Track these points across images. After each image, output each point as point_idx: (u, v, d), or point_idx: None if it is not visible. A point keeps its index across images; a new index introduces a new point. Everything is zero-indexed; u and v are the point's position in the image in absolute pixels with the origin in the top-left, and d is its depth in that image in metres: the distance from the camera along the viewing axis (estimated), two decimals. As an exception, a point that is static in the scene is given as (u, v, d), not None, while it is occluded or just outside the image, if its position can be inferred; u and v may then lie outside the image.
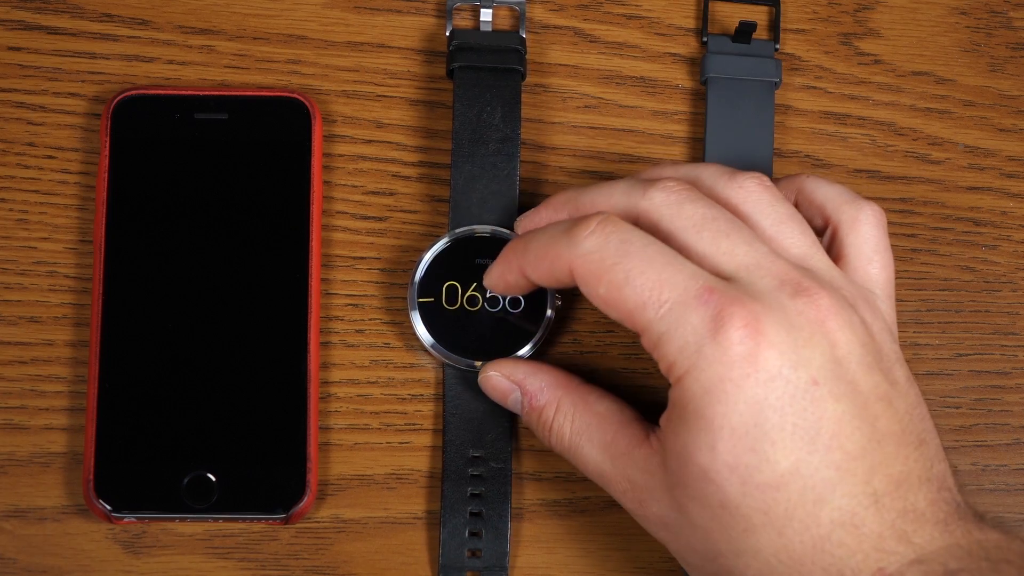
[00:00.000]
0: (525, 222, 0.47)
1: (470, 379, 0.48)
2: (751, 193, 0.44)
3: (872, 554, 0.38)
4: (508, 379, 0.46)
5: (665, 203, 0.43)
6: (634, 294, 0.41)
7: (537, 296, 0.48)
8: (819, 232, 0.46)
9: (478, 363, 0.48)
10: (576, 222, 0.43)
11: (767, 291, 0.40)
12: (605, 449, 0.43)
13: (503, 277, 0.46)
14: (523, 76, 0.50)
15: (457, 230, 0.49)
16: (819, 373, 0.39)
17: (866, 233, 0.45)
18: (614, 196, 0.44)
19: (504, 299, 0.48)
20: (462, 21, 0.52)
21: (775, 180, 0.47)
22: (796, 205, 0.46)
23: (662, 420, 0.42)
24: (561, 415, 0.45)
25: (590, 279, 0.42)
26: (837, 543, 0.39)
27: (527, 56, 0.51)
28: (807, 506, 0.39)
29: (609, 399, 0.45)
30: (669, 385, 0.41)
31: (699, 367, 0.39)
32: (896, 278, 0.46)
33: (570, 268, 0.42)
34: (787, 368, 0.39)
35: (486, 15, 0.51)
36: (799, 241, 0.43)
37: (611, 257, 0.41)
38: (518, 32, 0.51)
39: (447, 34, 0.51)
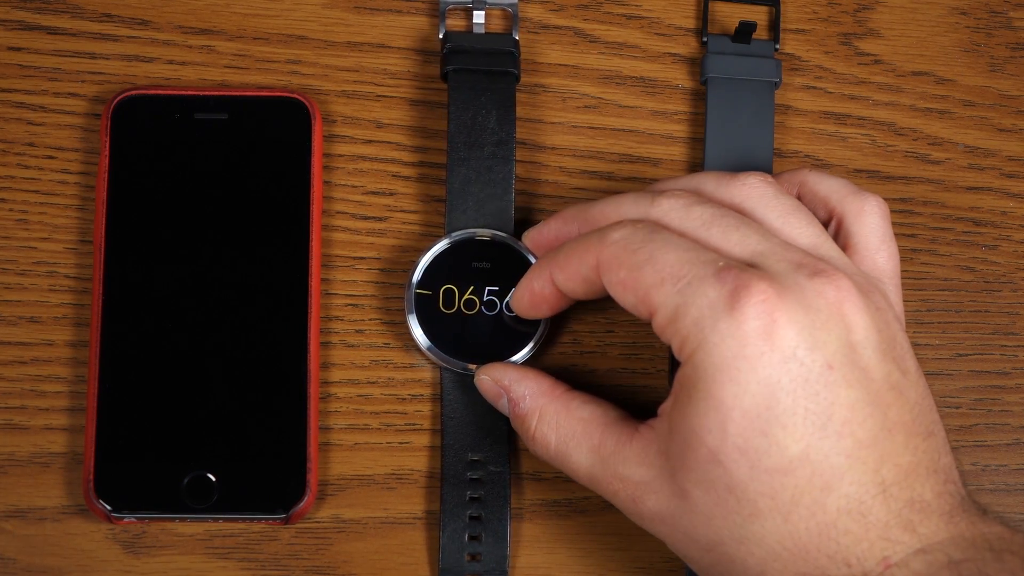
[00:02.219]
0: (533, 234, 0.48)
1: (467, 382, 0.48)
2: (754, 189, 0.44)
3: (877, 543, 0.38)
4: (497, 384, 0.46)
5: (673, 208, 0.43)
6: (654, 271, 0.41)
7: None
8: (823, 224, 0.46)
9: (473, 366, 0.48)
10: (609, 224, 0.43)
11: (785, 273, 0.40)
12: (593, 452, 0.43)
13: (530, 286, 0.46)
14: (517, 79, 0.50)
15: (455, 233, 0.49)
16: (834, 357, 0.39)
17: (872, 223, 0.45)
18: (623, 206, 0.44)
19: (501, 303, 0.48)
20: (455, 22, 0.52)
21: (775, 175, 0.47)
22: (799, 199, 0.46)
23: (663, 407, 0.42)
24: (544, 424, 0.45)
25: (613, 264, 0.42)
26: (843, 531, 0.39)
27: (521, 57, 0.51)
28: (814, 492, 0.39)
29: (593, 403, 0.45)
30: (668, 386, 0.41)
31: (712, 341, 0.39)
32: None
33: (596, 259, 0.42)
34: (802, 349, 0.39)
35: (479, 17, 0.51)
36: (808, 231, 0.43)
37: (636, 243, 0.42)
38: (511, 34, 0.51)
39: (440, 36, 0.51)
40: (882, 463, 0.39)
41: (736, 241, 0.42)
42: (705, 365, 0.39)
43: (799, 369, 0.39)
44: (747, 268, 0.40)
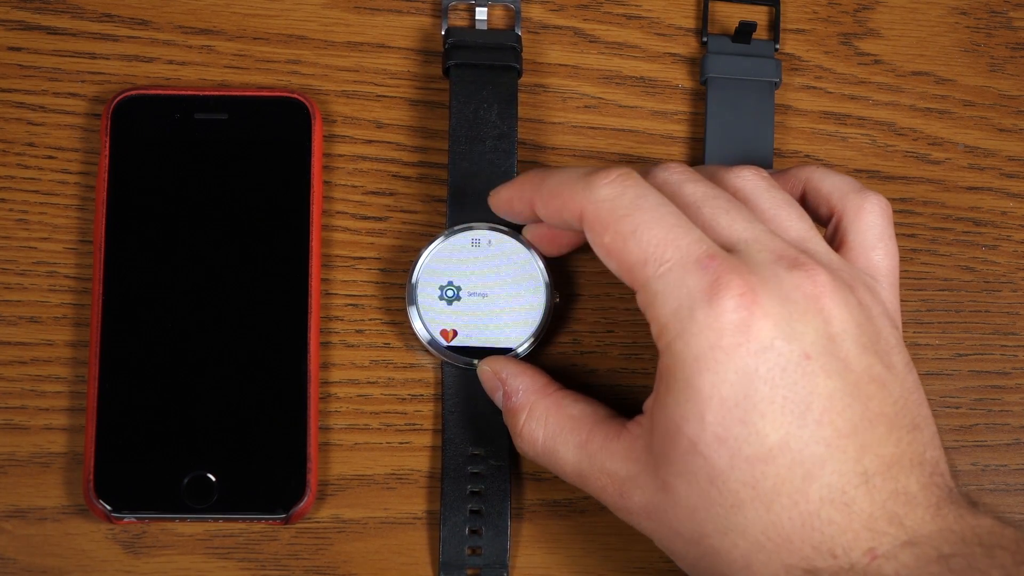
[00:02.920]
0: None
1: (469, 377, 0.48)
2: (748, 181, 0.44)
3: (863, 533, 0.38)
4: (496, 376, 0.46)
5: (668, 181, 0.43)
6: (638, 248, 0.41)
7: (535, 294, 0.48)
8: (825, 221, 0.46)
9: (475, 361, 0.48)
10: (597, 169, 0.43)
11: (764, 263, 0.40)
12: (581, 448, 0.44)
13: (511, 202, 0.46)
14: (519, 73, 0.50)
15: (456, 227, 0.49)
16: (812, 348, 0.39)
17: (871, 221, 0.45)
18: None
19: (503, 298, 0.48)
20: (458, 20, 0.52)
21: (783, 169, 0.47)
22: (802, 195, 0.46)
23: (647, 403, 0.42)
24: (533, 420, 0.45)
25: (597, 226, 0.42)
26: (827, 520, 0.39)
27: (522, 54, 0.51)
28: (796, 481, 0.39)
29: (583, 401, 0.45)
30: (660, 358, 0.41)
31: (690, 331, 0.39)
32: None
33: (581, 212, 0.42)
34: (780, 340, 0.39)
35: (481, 14, 0.51)
36: (797, 224, 0.43)
37: (623, 208, 0.41)
38: (514, 30, 0.51)
39: (443, 33, 0.51)
40: (864, 453, 0.39)
41: (724, 224, 0.42)
42: (684, 355, 0.40)
43: (777, 358, 0.39)
44: (729, 258, 0.40)
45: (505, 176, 0.49)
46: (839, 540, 0.38)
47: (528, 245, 0.48)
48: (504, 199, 0.46)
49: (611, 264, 0.42)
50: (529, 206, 0.45)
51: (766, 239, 0.41)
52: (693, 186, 0.43)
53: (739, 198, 0.44)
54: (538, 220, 0.46)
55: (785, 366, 0.39)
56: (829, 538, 0.39)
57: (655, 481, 0.41)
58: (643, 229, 0.41)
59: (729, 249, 0.41)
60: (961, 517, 0.39)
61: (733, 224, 0.42)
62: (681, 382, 0.40)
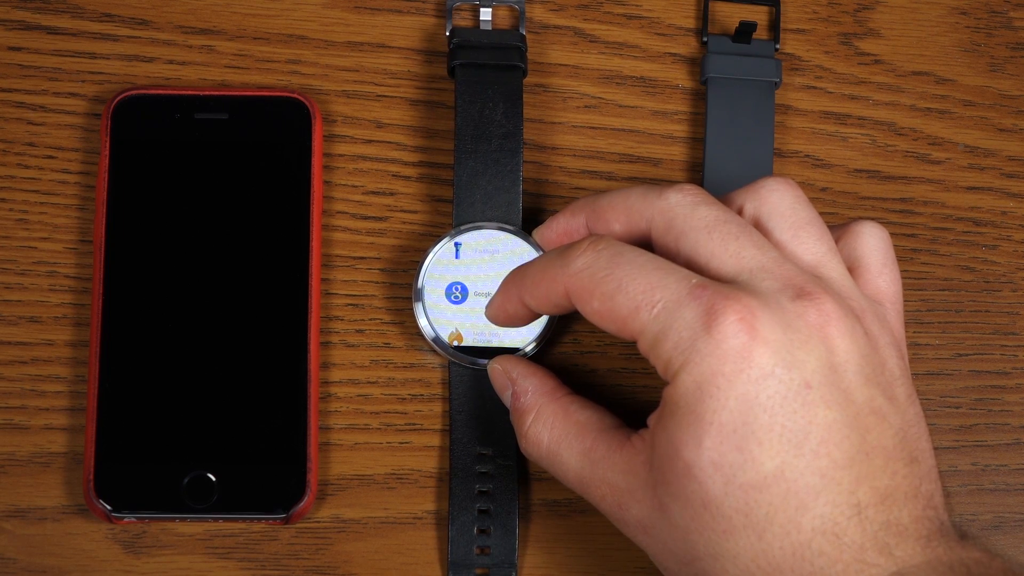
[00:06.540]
0: (543, 231, 0.47)
1: (477, 376, 0.48)
2: (773, 192, 0.44)
3: (853, 565, 0.38)
4: (506, 375, 0.46)
5: (680, 203, 0.43)
6: (627, 300, 0.41)
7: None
8: None
9: (483, 361, 0.48)
10: (568, 245, 0.43)
11: (768, 292, 0.40)
12: (584, 455, 0.43)
13: (503, 308, 0.46)
14: (524, 73, 0.50)
15: (462, 227, 0.49)
16: (813, 377, 0.39)
17: (874, 245, 0.44)
18: (631, 198, 0.44)
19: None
20: (462, 21, 0.52)
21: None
22: None
23: (651, 419, 0.42)
24: (539, 423, 0.45)
25: (584, 294, 0.42)
26: (817, 551, 0.38)
27: (527, 55, 0.51)
28: (789, 511, 0.39)
29: (591, 408, 0.45)
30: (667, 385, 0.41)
31: (693, 361, 0.39)
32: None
33: (565, 289, 0.42)
34: (780, 368, 0.39)
35: (486, 14, 0.51)
36: (815, 248, 0.43)
37: (602, 270, 0.41)
38: (518, 30, 0.51)
39: (447, 33, 0.51)
40: (858, 485, 0.39)
41: (732, 252, 0.41)
42: (687, 384, 0.39)
43: (777, 386, 0.39)
44: (724, 285, 0.40)
45: (511, 175, 0.49)
46: (828, 571, 0.38)
47: (536, 246, 0.48)
48: (498, 307, 0.46)
49: (607, 326, 0.42)
50: (521, 304, 0.45)
51: (773, 266, 0.41)
52: (706, 209, 0.42)
53: (760, 218, 0.43)
54: (536, 317, 0.46)
55: (785, 394, 0.39)
56: (819, 569, 0.38)
57: (652, 499, 0.41)
58: (626, 282, 0.41)
59: (732, 278, 0.41)
60: (951, 549, 0.39)
61: (741, 251, 0.41)
62: (683, 408, 0.39)
